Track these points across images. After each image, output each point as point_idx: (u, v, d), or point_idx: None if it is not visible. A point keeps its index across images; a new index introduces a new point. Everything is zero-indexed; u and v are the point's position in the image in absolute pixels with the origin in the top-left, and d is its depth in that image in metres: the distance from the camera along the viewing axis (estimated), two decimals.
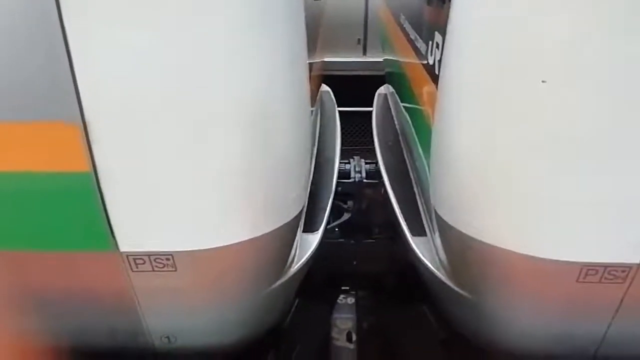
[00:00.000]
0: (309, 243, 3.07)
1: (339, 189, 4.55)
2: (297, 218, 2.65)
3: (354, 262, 4.96)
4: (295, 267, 2.86)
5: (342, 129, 8.31)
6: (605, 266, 2.17)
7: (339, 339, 4.70)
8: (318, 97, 5.10)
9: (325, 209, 3.50)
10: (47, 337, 2.61)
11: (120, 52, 1.91)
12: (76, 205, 2.17)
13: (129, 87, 1.96)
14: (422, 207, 3.26)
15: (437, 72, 2.48)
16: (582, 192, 2.05)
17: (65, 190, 2.14)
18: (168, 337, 2.68)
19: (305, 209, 3.10)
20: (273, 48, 2.13)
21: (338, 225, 4.58)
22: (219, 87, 2.03)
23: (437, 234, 2.75)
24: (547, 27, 1.88)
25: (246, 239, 2.30)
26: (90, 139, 2.00)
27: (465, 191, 2.30)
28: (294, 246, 2.89)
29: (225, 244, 2.28)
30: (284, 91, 2.24)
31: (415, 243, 2.99)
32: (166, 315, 2.59)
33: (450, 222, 2.42)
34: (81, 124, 1.98)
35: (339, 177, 4.56)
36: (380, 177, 4.33)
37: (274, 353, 3.30)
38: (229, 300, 2.59)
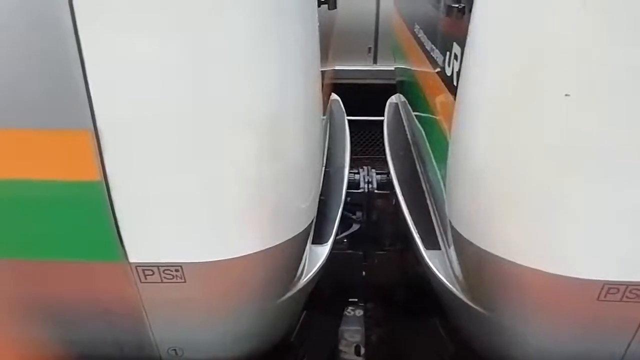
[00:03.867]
0: (318, 255, 3.02)
1: (349, 199, 4.51)
2: (307, 229, 2.61)
3: (363, 274, 4.90)
4: (304, 279, 2.81)
5: (352, 138, 8.30)
6: (627, 285, 2.11)
7: (347, 352, 4.64)
8: (328, 106, 5.08)
9: (335, 220, 3.45)
10: (54, 346, 2.59)
11: (133, 60, 1.90)
12: (86, 215, 2.15)
13: (141, 95, 1.94)
14: (436, 219, 3.21)
15: (455, 84, 2.44)
16: (604, 208, 2.00)
17: (76, 200, 2.12)
18: (175, 350, 2.65)
19: (314, 220, 3.07)
20: (286, 56, 2.11)
21: (347, 236, 4.51)
22: (230, 96, 2.01)
23: (452, 247, 2.69)
24: (571, 40, 1.84)
25: (256, 250, 2.28)
26: (102, 147, 1.99)
27: (483, 204, 2.25)
28: (303, 258, 2.85)
29: (235, 256, 2.25)
30: (296, 100, 2.22)
31: (428, 256, 2.93)
32: (174, 327, 2.56)
33: (467, 236, 2.37)
34: (93, 132, 1.96)
35: (348, 188, 4.53)
36: (392, 187, 4.28)
37: None
38: (237, 313, 2.56)
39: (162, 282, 2.28)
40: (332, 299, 4.73)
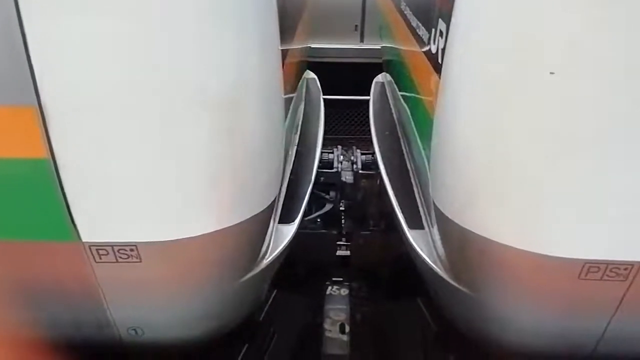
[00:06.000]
0: (284, 234, 2.99)
1: (322, 179, 4.47)
2: (269, 209, 2.58)
3: (336, 253, 4.89)
4: (268, 259, 2.78)
5: (338, 117, 8.28)
6: (608, 263, 2.12)
7: (332, 331, 4.67)
8: (302, 84, 5.00)
9: (303, 199, 3.43)
10: (15, 326, 2.54)
11: (79, 35, 1.83)
12: (35, 193, 2.09)
13: (87, 71, 1.87)
14: (420, 199, 3.20)
15: (439, 61, 2.41)
16: (585, 188, 2.00)
17: (24, 177, 2.06)
18: (135, 330, 2.62)
19: (278, 200, 3.04)
20: (239, 32, 2.05)
21: (322, 216, 4.49)
22: (183, 72, 1.95)
23: (435, 227, 2.69)
24: (557, 17, 1.82)
25: (213, 230, 2.24)
26: (47, 124, 1.92)
27: (466, 184, 2.24)
28: (269, 237, 2.82)
29: (192, 235, 2.21)
30: (251, 77, 2.16)
31: (412, 236, 2.93)
32: (132, 307, 2.52)
33: (449, 216, 2.36)
34: (37, 108, 1.89)
35: (322, 167, 4.50)
36: (377, 167, 4.27)
37: (249, 346, 3.23)
38: (196, 293, 2.53)
39: (117, 261, 2.23)
40: (306, 279, 4.74)
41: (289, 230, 3.04)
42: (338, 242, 4.75)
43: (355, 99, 7.68)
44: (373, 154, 4.70)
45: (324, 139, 8.63)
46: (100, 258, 2.23)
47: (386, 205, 4.57)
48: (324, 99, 8.07)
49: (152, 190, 2.11)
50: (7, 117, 1.94)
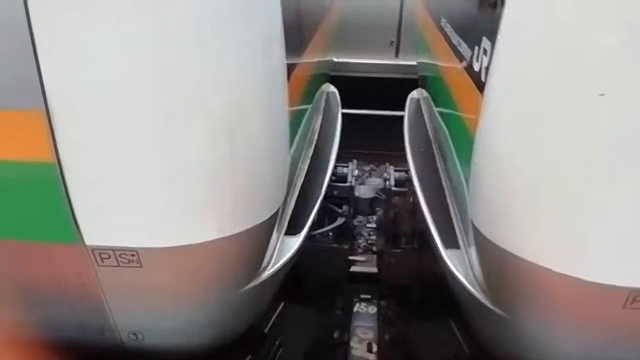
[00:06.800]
0: (289, 246, 2.98)
1: (335, 192, 4.46)
2: (271, 220, 2.57)
3: (350, 269, 4.83)
4: (270, 270, 2.77)
5: (369, 132, 8.27)
6: None
7: (359, 349, 4.61)
8: (320, 98, 5.02)
9: (311, 212, 3.41)
10: (19, 328, 2.61)
11: (85, 41, 1.87)
12: (41, 196, 2.14)
13: (93, 77, 1.92)
14: (456, 218, 3.14)
15: (482, 79, 2.37)
16: (634, 215, 1.92)
17: (30, 180, 2.11)
18: (135, 334, 2.63)
19: (284, 212, 3.04)
20: (241, 44, 2.08)
21: (334, 229, 4.46)
22: (185, 81, 1.98)
23: (472, 247, 2.63)
24: (606, 38, 1.76)
25: (213, 238, 2.25)
26: (54, 128, 1.97)
27: (508, 204, 2.18)
28: (273, 248, 2.82)
29: (192, 243, 2.23)
30: (253, 88, 2.18)
31: (448, 256, 2.87)
32: (133, 312, 2.55)
33: (489, 236, 2.30)
34: (45, 113, 1.94)
35: (336, 181, 4.48)
36: (410, 184, 4.22)
37: (252, 357, 3.20)
38: (197, 300, 2.54)
39: (119, 265, 2.26)
40: (316, 293, 4.71)
41: (294, 242, 3.03)
42: (350, 257, 4.71)
43: (389, 115, 7.67)
44: (407, 171, 4.65)
45: (353, 153, 8.67)
46: (103, 262, 2.27)
47: (418, 223, 4.52)
48: (356, 114, 8.10)
49: (154, 197, 2.14)
50: (16, 121, 2.00)
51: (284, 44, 2.39)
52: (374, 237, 6.64)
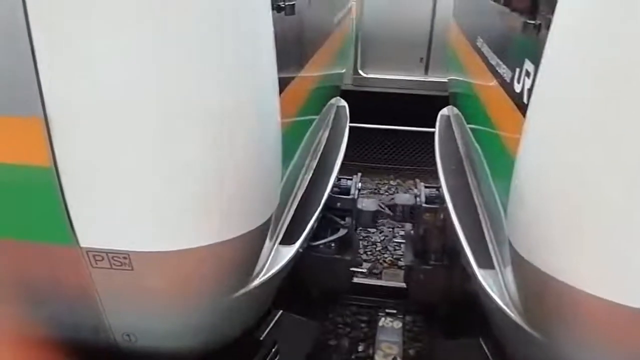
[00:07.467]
0: (282, 255, 3.03)
1: (338, 204, 4.54)
2: (263, 227, 2.62)
3: (352, 280, 4.85)
4: (262, 277, 2.81)
5: (399, 148, 8.27)
6: None
7: None
8: (327, 111, 5.10)
9: (308, 223, 3.46)
10: (14, 325, 2.68)
11: (83, 48, 1.95)
12: (38, 198, 2.22)
13: (90, 84, 2.00)
14: (490, 237, 3.14)
15: (524, 101, 2.38)
16: None
17: (28, 183, 2.20)
18: (129, 335, 2.68)
19: (281, 221, 3.13)
20: (235, 53, 2.16)
21: (337, 241, 4.49)
22: (180, 88, 2.06)
23: (508, 267, 2.63)
24: None
25: (204, 244, 2.31)
26: (52, 135, 2.05)
27: (550, 226, 2.17)
28: (267, 256, 2.87)
29: (182, 248, 2.29)
30: (243, 98, 2.25)
31: (482, 275, 2.86)
32: (125, 313, 2.60)
33: (528, 258, 2.30)
34: (43, 119, 2.03)
35: (339, 193, 4.60)
36: (441, 201, 4.23)
37: None
38: (187, 305, 2.59)
39: (111, 268, 2.34)
40: (316, 303, 4.74)
41: (288, 252, 3.08)
42: (352, 269, 4.75)
43: (418, 131, 7.69)
44: (437, 187, 4.66)
45: (379, 167, 8.67)
46: (97, 263, 2.35)
47: (448, 241, 4.51)
48: (385, 129, 8.13)
49: (146, 202, 2.21)
50: (15, 127, 2.09)
51: (274, 56, 2.46)
52: (399, 252, 6.65)
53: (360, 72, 8.44)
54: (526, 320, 2.53)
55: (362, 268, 5.76)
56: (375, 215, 4.86)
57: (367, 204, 4.92)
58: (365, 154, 8.67)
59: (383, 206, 4.96)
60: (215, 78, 2.12)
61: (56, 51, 1.96)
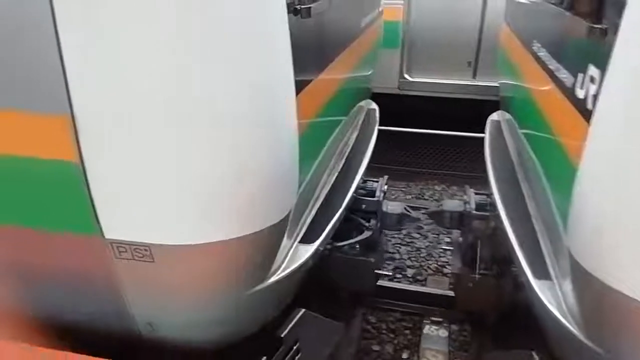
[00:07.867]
0: (301, 253, 3.06)
1: (364, 206, 4.54)
2: (281, 224, 2.65)
3: (376, 282, 4.82)
4: (280, 274, 2.84)
5: (446, 153, 8.18)
6: None
7: None
8: (356, 113, 5.11)
9: (328, 223, 3.46)
10: (40, 315, 2.80)
11: (109, 46, 2.01)
12: (65, 191, 2.31)
13: (116, 82, 2.06)
14: (547, 247, 3.05)
15: (588, 107, 2.31)
16: None
17: (55, 177, 2.29)
18: (151, 325, 2.75)
19: (301, 219, 3.17)
20: (253, 57, 2.23)
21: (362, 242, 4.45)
22: (202, 89, 2.10)
23: (567, 279, 2.54)
24: None
25: (222, 239, 2.37)
26: (78, 131, 2.14)
27: (615, 237, 2.10)
28: (285, 254, 2.91)
29: (200, 242, 2.35)
30: (258, 100, 2.30)
31: (538, 286, 2.78)
32: (147, 303, 2.67)
33: (591, 270, 2.22)
34: (69, 116, 2.11)
35: (364, 195, 4.63)
36: (492, 209, 4.13)
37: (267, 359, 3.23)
38: (205, 298, 2.64)
39: (133, 259, 2.42)
40: (341, 304, 4.71)
41: (307, 250, 3.10)
42: (377, 271, 4.68)
43: (464, 136, 7.57)
44: (488, 194, 4.57)
45: (424, 172, 8.59)
46: (120, 254, 2.43)
47: (498, 249, 4.42)
48: (433, 134, 8.05)
49: (166, 198, 2.28)
50: (42, 124, 2.18)
51: (290, 58, 2.51)
52: (444, 259, 6.55)
53: (406, 75, 8.37)
54: (585, 333, 2.44)
55: (386, 271, 5.73)
56: (401, 218, 4.83)
57: (393, 206, 4.90)
58: (409, 159, 8.60)
59: (409, 209, 4.92)
60: (237, 79, 2.19)
61: (82, 47, 2.04)
